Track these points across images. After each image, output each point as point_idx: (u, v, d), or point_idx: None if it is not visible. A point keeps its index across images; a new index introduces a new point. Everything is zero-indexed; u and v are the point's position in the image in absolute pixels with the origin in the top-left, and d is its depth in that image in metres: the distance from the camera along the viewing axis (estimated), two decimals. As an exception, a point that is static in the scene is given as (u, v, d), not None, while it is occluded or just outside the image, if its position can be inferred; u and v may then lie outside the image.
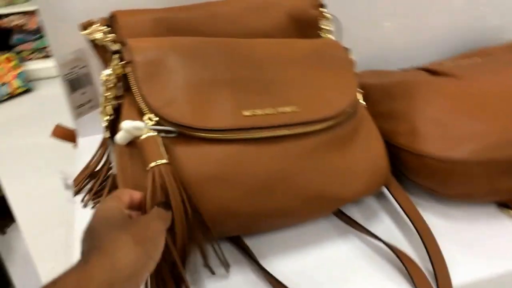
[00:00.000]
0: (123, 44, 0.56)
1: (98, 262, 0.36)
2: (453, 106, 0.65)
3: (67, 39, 0.65)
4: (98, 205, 0.44)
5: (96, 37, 0.57)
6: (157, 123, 0.51)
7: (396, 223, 0.63)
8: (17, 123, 0.98)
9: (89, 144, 0.72)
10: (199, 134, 0.51)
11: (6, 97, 1.05)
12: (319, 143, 0.57)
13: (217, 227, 0.53)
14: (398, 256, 0.55)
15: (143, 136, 0.50)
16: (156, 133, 0.50)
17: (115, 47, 0.57)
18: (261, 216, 0.55)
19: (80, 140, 0.78)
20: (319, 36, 0.71)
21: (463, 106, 0.64)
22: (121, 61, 0.55)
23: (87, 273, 0.35)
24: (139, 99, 0.52)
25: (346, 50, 0.67)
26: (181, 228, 0.48)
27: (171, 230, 0.47)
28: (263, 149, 0.54)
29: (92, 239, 0.39)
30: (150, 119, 0.51)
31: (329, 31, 0.71)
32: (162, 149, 0.49)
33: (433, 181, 0.62)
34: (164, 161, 0.48)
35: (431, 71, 0.75)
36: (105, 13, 0.60)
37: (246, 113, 0.53)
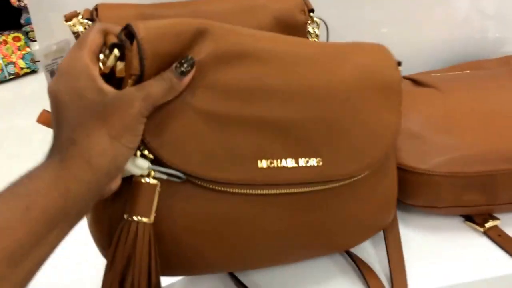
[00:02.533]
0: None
1: (75, 162, 0.35)
2: (428, 118, 0.65)
3: (53, 28, 0.67)
4: (66, 64, 0.39)
5: (78, 30, 0.59)
6: (154, 162, 0.42)
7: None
8: (19, 104, 1.00)
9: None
10: (203, 184, 0.43)
11: (11, 77, 1.08)
12: (334, 195, 0.50)
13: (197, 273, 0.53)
14: (356, 263, 0.57)
15: (143, 180, 0.41)
16: (157, 182, 0.42)
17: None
18: (255, 267, 0.53)
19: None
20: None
21: (438, 119, 0.65)
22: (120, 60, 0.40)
23: (65, 171, 0.35)
24: None
25: (397, 69, 0.54)
26: None
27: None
28: (270, 205, 0.46)
29: (64, 122, 0.37)
30: (144, 156, 0.42)
31: (316, 36, 0.72)
32: (155, 204, 0.41)
33: (399, 191, 0.63)
34: (147, 220, 0.41)
35: (415, 81, 0.75)
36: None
37: (262, 164, 0.44)
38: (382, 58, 0.54)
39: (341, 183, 0.49)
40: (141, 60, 0.39)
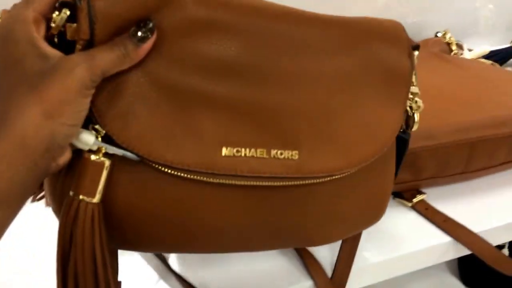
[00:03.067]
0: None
1: (6, 144, 0.31)
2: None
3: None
4: (5, 25, 0.33)
5: None
6: (105, 139, 0.37)
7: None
8: None
9: None
10: (158, 167, 0.38)
11: None
12: (311, 192, 0.44)
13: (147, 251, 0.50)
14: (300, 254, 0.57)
15: (92, 157, 0.36)
16: (106, 160, 0.37)
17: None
18: (209, 252, 0.49)
19: None
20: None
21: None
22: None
23: None
24: None
25: (409, 56, 0.47)
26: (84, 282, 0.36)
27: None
28: (234, 197, 0.41)
29: None
30: (96, 130, 0.37)
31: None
32: (101, 183, 0.37)
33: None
34: (91, 200, 0.36)
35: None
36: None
37: (226, 151, 0.39)
38: (393, 41, 0.46)
39: (318, 180, 0.43)
40: (91, 22, 0.34)
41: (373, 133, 0.45)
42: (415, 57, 0.47)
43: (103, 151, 0.37)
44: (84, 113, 0.35)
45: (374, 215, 0.51)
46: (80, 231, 0.36)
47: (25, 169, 0.32)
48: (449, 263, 1.00)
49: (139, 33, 0.35)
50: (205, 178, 0.39)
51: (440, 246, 0.62)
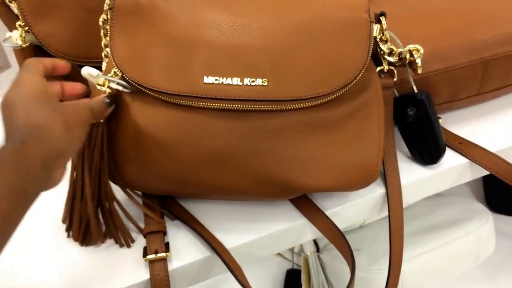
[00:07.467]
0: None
1: (34, 141, 0.39)
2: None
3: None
4: (16, 77, 0.43)
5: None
6: (122, 78, 0.51)
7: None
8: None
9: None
10: (152, 94, 0.50)
11: None
12: (288, 124, 0.51)
13: (153, 187, 0.55)
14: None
15: (97, 86, 0.51)
16: (108, 89, 0.51)
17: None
18: (202, 188, 0.53)
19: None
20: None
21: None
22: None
23: (24, 150, 0.39)
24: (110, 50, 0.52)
25: (365, 14, 0.53)
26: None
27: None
28: (217, 121, 0.50)
29: (22, 113, 0.40)
30: (115, 72, 0.52)
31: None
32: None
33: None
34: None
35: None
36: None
37: (207, 79, 0.49)
38: (352, 6, 0.54)
39: (290, 106, 0.50)
40: None
41: (336, 67, 0.51)
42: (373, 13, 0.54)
43: (107, 83, 0.51)
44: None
45: (362, 171, 0.53)
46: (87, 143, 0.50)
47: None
48: (474, 190, 0.99)
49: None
50: (190, 103, 0.49)
51: (457, 168, 0.62)
